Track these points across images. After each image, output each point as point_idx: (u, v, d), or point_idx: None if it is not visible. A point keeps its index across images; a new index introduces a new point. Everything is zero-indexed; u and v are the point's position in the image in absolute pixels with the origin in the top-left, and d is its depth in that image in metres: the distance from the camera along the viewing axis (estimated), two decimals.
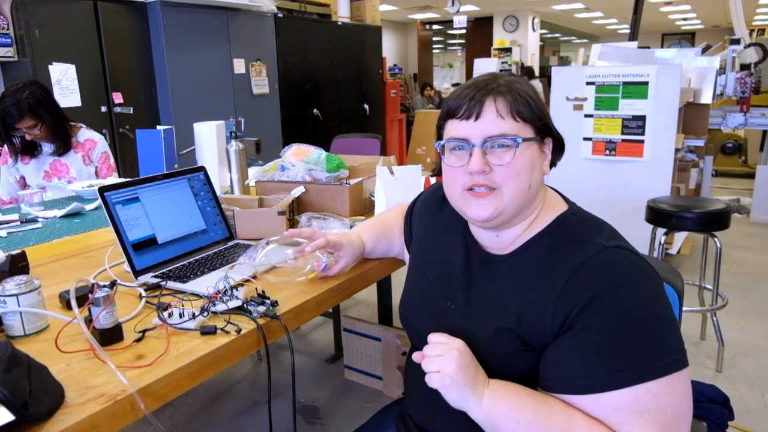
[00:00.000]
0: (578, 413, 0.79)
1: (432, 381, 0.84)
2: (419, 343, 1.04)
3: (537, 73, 11.33)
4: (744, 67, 4.25)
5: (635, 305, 0.79)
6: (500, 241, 0.95)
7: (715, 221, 2.46)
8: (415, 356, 0.89)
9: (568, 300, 0.81)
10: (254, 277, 1.25)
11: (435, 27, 15.40)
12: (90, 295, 0.96)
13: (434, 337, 0.88)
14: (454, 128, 0.90)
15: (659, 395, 0.76)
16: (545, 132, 0.91)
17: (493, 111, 0.87)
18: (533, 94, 0.90)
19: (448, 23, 13.24)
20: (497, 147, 0.87)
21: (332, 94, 6.24)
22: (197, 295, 1.17)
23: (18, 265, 1.25)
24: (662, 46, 14.72)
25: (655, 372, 0.77)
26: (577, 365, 0.80)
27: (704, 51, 4.30)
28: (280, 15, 5.31)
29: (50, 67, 3.62)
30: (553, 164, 0.96)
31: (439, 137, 0.94)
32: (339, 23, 6.32)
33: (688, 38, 16.92)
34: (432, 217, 1.11)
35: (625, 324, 0.78)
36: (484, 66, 6.50)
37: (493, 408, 0.82)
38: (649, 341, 0.78)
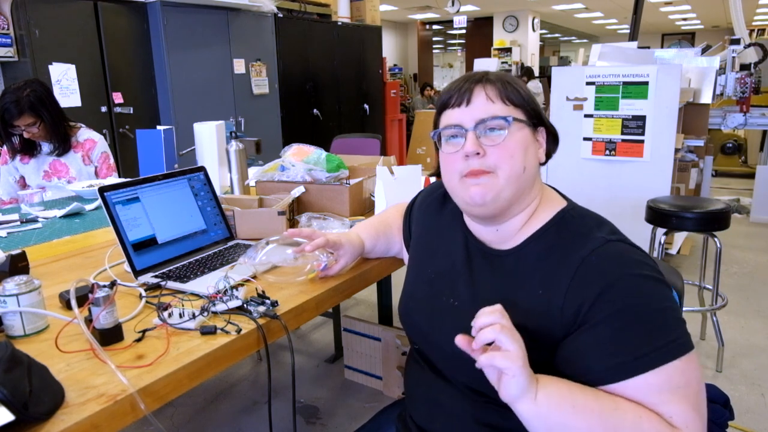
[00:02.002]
0: (619, 396, 0.80)
1: (503, 361, 0.74)
2: (419, 341, 1.04)
3: (537, 73, 11.33)
4: (744, 67, 4.25)
5: (645, 292, 0.81)
6: (500, 235, 0.95)
7: (715, 221, 2.46)
8: (460, 341, 0.79)
9: (577, 294, 0.82)
10: (254, 277, 1.25)
11: (435, 27, 15.40)
12: (90, 295, 0.96)
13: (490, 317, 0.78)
14: (447, 117, 0.93)
15: (685, 371, 0.79)
16: (537, 119, 0.93)
17: (483, 96, 0.90)
18: (523, 85, 0.94)
19: (448, 23, 13.25)
20: (489, 131, 0.89)
21: (332, 94, 6.24)
22: (197, 295, 1.17)
23: (18, 265, 1.25)
24: (662, 46, 14.74)
25: (677, 350, 0.79)
26: (602, 356, 0.80)
27: (704, 51, 4.31)
28: (280, 15, 5.31)
29: (50, 67, 3.62)
30: (548, 155, 0.98)
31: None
32: (339, 23, 6.32)
33: (688, 38, 16.92)
34: (432, 215, 1.11)
35: (640, 310, 0.80)
36: (484, 66, 6.50)
37: (548, 399, 0.78)
38: (664, 323, 0.80)
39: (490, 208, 0.90)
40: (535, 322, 0.85)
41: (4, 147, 2.51)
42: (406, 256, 1.24)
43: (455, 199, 0.96)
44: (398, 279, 1.15)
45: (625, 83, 3.30)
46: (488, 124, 0.89)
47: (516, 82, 0.93)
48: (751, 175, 5.41)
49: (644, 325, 0.80)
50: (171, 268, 1.31)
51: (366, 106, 6.83)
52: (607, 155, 3.44)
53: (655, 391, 0.78)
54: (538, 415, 0.77)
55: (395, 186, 1.68)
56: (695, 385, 0.80)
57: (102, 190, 1.27)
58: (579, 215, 0.92)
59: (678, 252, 3.81)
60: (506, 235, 0.94)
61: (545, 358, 0.86)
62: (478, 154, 0.88)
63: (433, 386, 0.99)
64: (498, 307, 0.79)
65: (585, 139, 3.48)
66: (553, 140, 0.97)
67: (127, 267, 1.27)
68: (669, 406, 0.78)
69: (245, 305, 1.08)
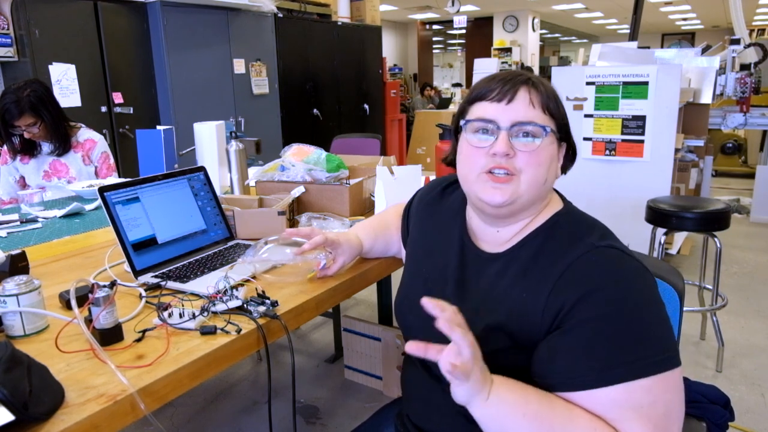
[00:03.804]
0: (577, 407, 0.79)
1: (450, 373, 0.74)
2: (413, 340, 1.04)
3: (537, 73, 11.31)
4: (744, 67, 4.25)
5: (626, 302, 0.79)
6: (499, 237, 0.95)
7: (715, 221, 2.46)
8: (411, 348, 0.78)
9: (558, 298, 0.81)
10: (254, 277, 1.25)
11: (435, 27, 15.40)
12: (90, 295, 0.96)
13: (450, 317, 0.74)
14: (482, 110, 0.89)
15: (652, 392, 0.77)
16: (564, 135, 0.93)
17: (526, 98, 0.88)
18: (559, 97, 0.93)
19: (448, 23, 13.24)
20: (522, 136, 0.87)
21: (332, 94, 6.23)
22: (197, 295, 1.17)
23: (18, 265, 1.25)
24: (662, 46, 14.74)
25: (648, 368, 0.77)
26: (570, 362, 0.80)
27: (704, 51, 4.30)
28: (280, 15, 5.31)
29: (50, 67, 3.62)
30: (563, 171, 0.97)
31: (461, 119, 0.94)
32: (339, 23, 6.32)
33: (688, 38, 16.92)
34: (428, 215, 1.11)
35: (617, 321, 0.78)
36: (484, 66, 6.49)
37: (499, 402, 0.78)
38: (641, 338, 0.78)
39: (505, 210, 0.90)
40: (517, 324, 0.85)
41: (5, 147, 2.51)
42: (404, 255, 1.24)
43: (468, 192, 0.94)
44: (398, 279, 1.16)
45: (625, 83, 3.30)
46: (524, 129, 0.87)
47: (556, 95, 0.91)
48: (751, 175, 5.41)
49: (619, 336, 0.78)
50: (171, 268, 1.31)
51: (366, 106, 6.82)
52: (607, 155, 3.44)
53: (615, 407, 0.77)
54: (488, 416, 0.78)
55: (395, 186, 1.68)
56: (662, 406, 0.77)
57: (102, 190, 1.27)
58: (572, 220, 0.92)
59: (678, 252, 3.81)
60: (505, 237, 0.94)
61: (526, 360, 0.85)
62: (507, 155, 0.87)
63: (427, 386, 0.99)
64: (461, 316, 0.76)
65: (585, 139, 3.48)
66: (571, 158, 0.96)
67: (127, 267, 1.27)
68: (628, 424, 0.76)
69: (245, 305, 1.08)
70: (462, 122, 0.93)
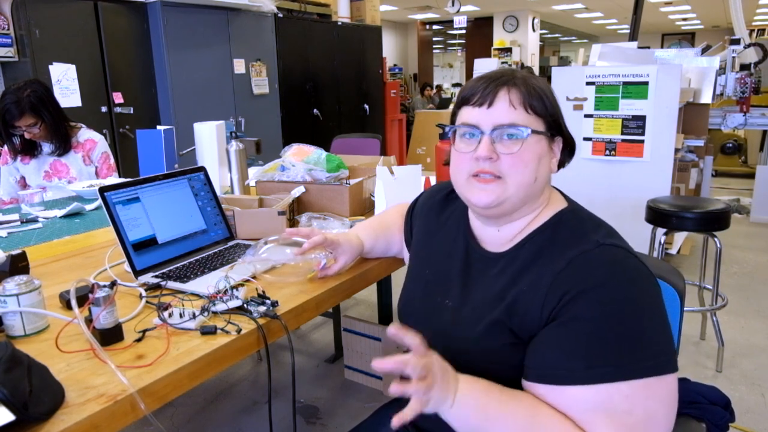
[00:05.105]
0: (545, 406, 0.79)
1: (416, 406, 0.78)
2: None
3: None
4: (744, 67, 4.25)
5: (622, 303, 0.79)
6: (501, 237, 0.95)
7: (715, 221, 2.46)
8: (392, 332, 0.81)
9: (557, 292, 0.81)
10: (254, 277, 1.25)
11: (435, 27, 15.40)
12: (90, 295, 0.96)
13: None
14: (467, 114, 0.91)
15: (631, 397, 0.75)
16: (556, 130, 0.92)
17: (506, 100, 0.88)
18: (548, 91, 0.91)
19: (448, 23, 13.25)
20: (506, 137, 0.87)
21: (332, 94, 6.24)
22: (197, 295, 1.17)
23: (18, 265, 1.25)
24: (662, 46, 14.74)
25: (632, 373, 0.75)
26: (555, 355, 0.79)
27: (704, 51, 4.31)
28: (280, 15, 5.31)
29: (50, 67, 3.62)
30: (561, 165, 0.96)
31: (452, 123, 0.95)
32: (339, 23, 6.32)
33: (688, 38, 16.92)
34: (433, 218, 1.11)
35: (610, 320, 0.78)
36: (484, 66, 6.49)
37: (462, 406, 0.81)
38: (632, 341, 0.77)
39: (494, 211, 0.91)
40: (519, 319, 0.85)
41: (5, 147, 2.51)
42: (406, 256, 1.24)
43: (460, 196, 0.96)
44: (398, 279, 1.16)
45: (625, 83, 3.30)
46: (506, 131, 0.87)
47: (542, 89, 0.90)
48: (751, 175, 5.41)
49: (607, 336, 0.77)
50: (171, 268, 1.31)
51: (366, 106, 6.83)
52: (607, 155, 3.44)
53: (589, 408, 0.76)
54: (455, 417, 0.81)
55: (395, 186, 1.68)
56: (640, 414, 0.75)
57: (102, 190, 1.27)
58: (576, 217, 0.91)
59: (678, 252, 3.81)
60: (506, 236, 0.94)
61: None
62: (490, 158, 0.87)
63: None
64: (427, 358, 0.80)
65: (585, 139, 3.48)
66: (569, 152, 0.96)
67: (127, 267, 1.27)
68: (597, 427, 0.75)
69: (245, 305, 1.08)
70: (449, 130, 0.94)
